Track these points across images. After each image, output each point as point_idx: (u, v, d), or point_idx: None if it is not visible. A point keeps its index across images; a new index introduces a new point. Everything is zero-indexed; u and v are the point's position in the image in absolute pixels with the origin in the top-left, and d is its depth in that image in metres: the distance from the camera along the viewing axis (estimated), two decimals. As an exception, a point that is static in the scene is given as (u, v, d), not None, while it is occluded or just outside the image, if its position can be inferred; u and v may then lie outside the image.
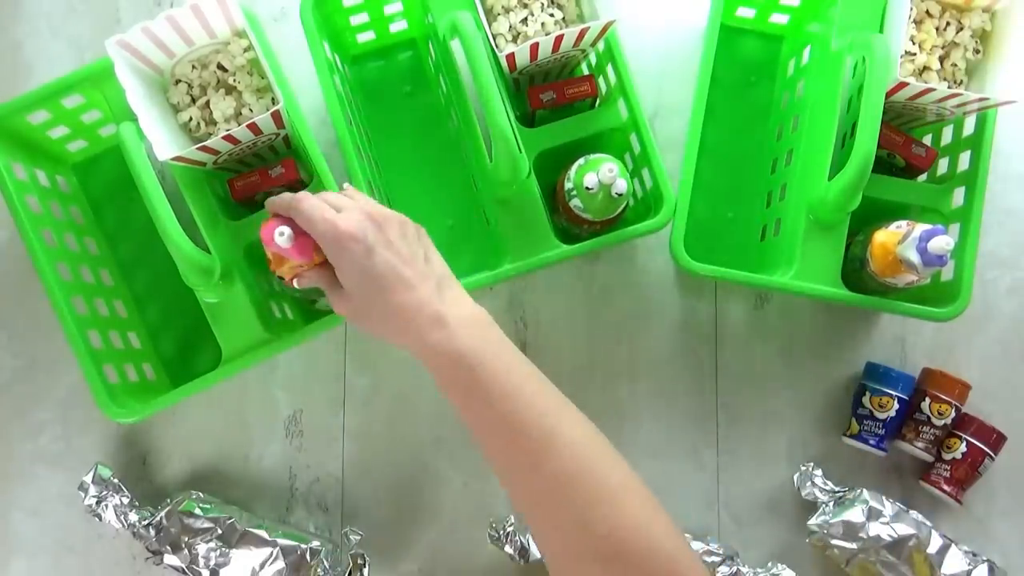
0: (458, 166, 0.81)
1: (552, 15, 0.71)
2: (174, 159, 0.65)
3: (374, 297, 0.55)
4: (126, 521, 0.73)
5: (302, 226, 0.57)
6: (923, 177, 0.77)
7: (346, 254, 0.55)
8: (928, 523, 0.73)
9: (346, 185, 0.63)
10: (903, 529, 0.72)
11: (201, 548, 0.71)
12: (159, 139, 0.65)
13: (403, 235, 0.58)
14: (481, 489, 0.79)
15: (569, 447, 0.52)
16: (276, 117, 0.67)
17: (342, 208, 0.57)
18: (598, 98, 0.76)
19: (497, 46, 0.69)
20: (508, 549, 0.73)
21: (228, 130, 0.67)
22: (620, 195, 0.68)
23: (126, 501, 0.73)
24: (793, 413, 0.80)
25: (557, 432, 0.52)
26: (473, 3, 0.68)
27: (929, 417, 0.76)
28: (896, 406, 0.76)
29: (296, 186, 0.73)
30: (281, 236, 0.57)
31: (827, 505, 0.74)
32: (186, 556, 0.72)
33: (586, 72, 0.78)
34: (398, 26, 0.81)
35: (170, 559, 0.72)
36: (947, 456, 0.77)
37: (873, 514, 0.72)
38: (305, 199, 0.57)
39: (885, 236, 0.67)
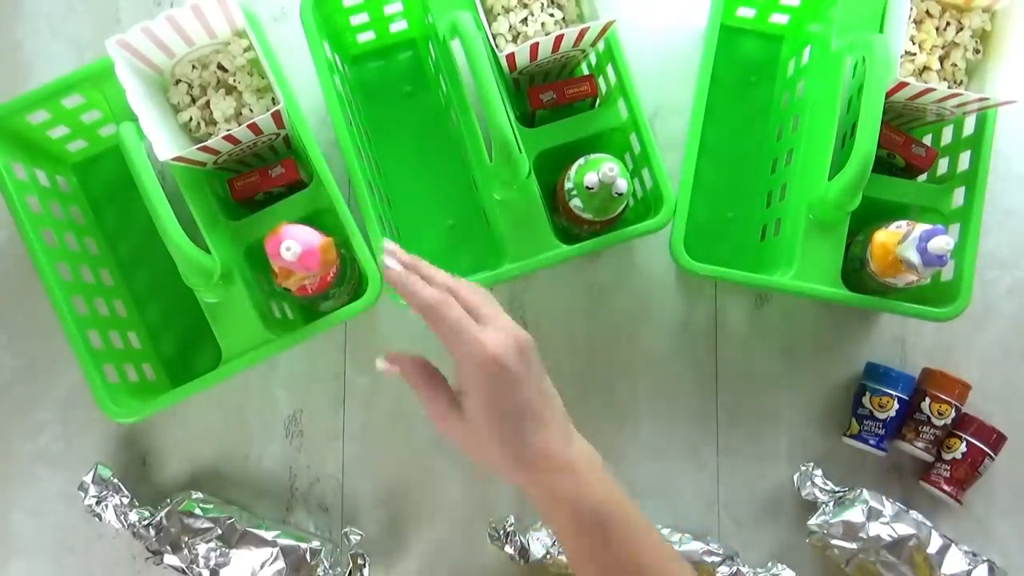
0: (458, 166, 0.81)
1: (552, 15, 0.71)
2: (174, 159, 0.65)
3: (504, 431, 0.51)
4: (126, 521, 0.73)
5: (440, 333, 0.51)
6: (923, 177, 0.77)
7: (487, 381, 0.50)
8: (928, 523, 0.73)
9: (386, 243, 0.54)
10: (903, 529, 0.72)
11: (201, 548, 0.71)
12: (159, 139, 0.65)
13: (535, 362, 0.53)
14: (481, 489, 0.79)
15: None
16: (276, 117, 0.67)
17: (482, 319, 0.51)
18: (598, 98, 0.76)
19: (497, 46, 0.69)
20: (508, 549, 0.73)
21: (228, 130, 0.67)
22: (620, 195, 0.68)
23: (126, 501, 0.73)
24: (793, 413, 0.80)
25: None
26: (473, 3, 0.68)
27: (929, 417, 0.76)
28: (896, 406, 0.76)
29: (296, 186, 0.73)
30: (288, 251, 0.57)
31: (827, 505, 0.74)
32: (186, 556, 0.72)
33: (586, 72, 0.78)
34: (398, 26, 0.81)
35: (170, 559, 0.72)
36: (947, 456, 0.77)
37: (873, 514, 0.72)
38: (447, 305, 0.50)
39: (885, 236, 0.67)
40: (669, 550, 0.55)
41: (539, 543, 0.73)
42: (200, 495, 0.75)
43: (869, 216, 0.71)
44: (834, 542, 0.72)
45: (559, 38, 0.66)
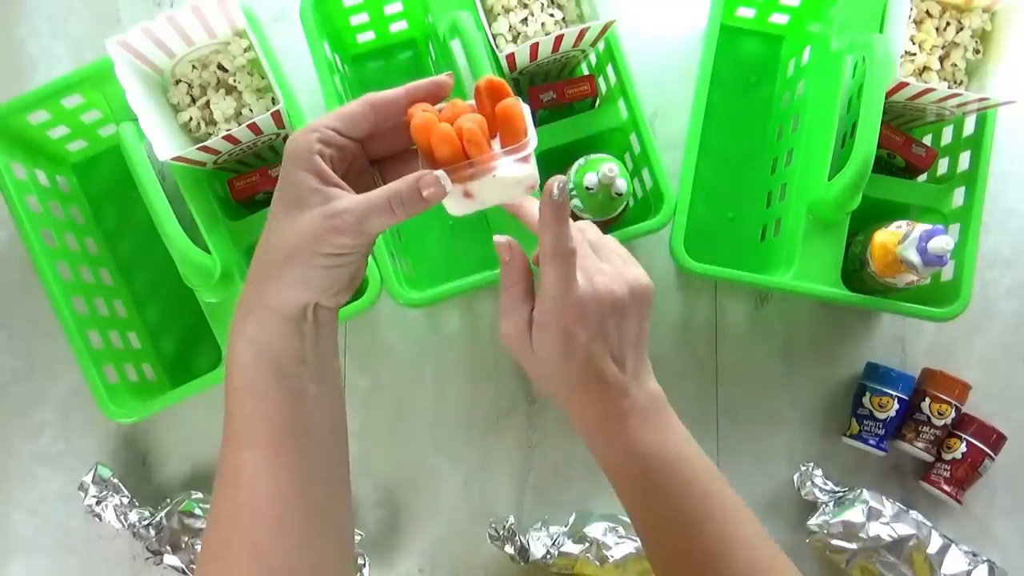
0: (458, 166, 0.80)
1: (552, 15, 0.71)
2: (174, 159, 0.65)
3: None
4: (126, 521, 0.73)
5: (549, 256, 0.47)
6: (923, 177, 0.77)
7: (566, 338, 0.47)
8: (928, 523, 0.73)
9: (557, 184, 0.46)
10: (903, 529, 0.72)
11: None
12: (159, 139, 0.65)
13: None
14: (481, 488, 0.79)
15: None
16: (276, 117, 0.67)
17: (599, 252, 0.49)
18: (598, 98, 0.76)
19: (497, 46, 0.69)
20: (508, 549, 0.73)
21: (228, 130, 0.67)
22: (620, 195, 0.68)
23: (126, 501, 0.74)
24: (793, 413, 0.80)
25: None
26: (473, 3, 0.68)
27: (929, 417, 0.76)
28: (896, 406, 0.76)
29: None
30: None
31: (827, 505, 0.74)
32: (186, 556, 0.72)
33: (586, 72, 0.78)
34: (398, 26, 0.81)
35: (170, 559, 0.72)
36: (947, 456, 0.77)
37: (873, 514, 0.72)
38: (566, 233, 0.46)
39: (885, 236, 0.67)
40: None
41: (539, 543, 0.73)
42: (200, 495, 0.75)
43: (869, 216, 0.71)
44: (834, 542, 0.72)
45: (559, 38, 0.66)
